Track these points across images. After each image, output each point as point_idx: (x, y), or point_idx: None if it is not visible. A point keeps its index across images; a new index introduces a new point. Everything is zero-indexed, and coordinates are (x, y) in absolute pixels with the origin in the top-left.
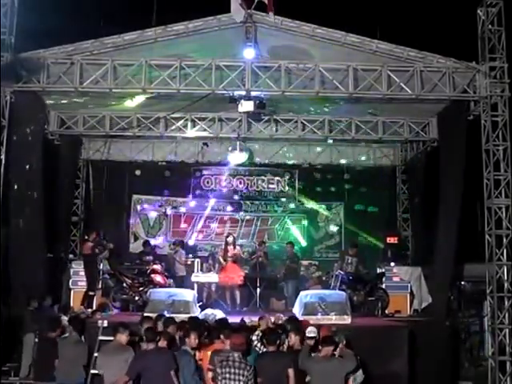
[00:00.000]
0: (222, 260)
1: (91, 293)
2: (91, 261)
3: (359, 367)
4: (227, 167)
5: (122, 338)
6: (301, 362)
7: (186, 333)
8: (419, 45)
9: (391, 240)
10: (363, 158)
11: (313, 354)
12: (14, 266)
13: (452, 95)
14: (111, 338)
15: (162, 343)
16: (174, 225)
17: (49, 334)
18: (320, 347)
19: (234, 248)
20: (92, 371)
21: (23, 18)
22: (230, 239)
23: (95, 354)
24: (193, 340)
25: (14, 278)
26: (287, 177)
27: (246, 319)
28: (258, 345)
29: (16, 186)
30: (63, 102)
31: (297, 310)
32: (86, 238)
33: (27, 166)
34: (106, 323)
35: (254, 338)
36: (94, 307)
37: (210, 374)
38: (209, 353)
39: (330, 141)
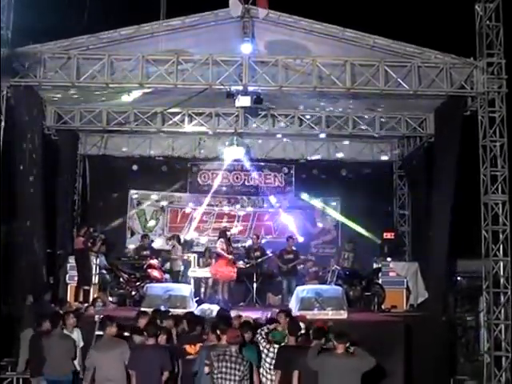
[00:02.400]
0: (224, 253)
1: (86, 287)
2: (83, 255)
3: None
4: (224, 162)
5: (112, 330)
6: (311, 359)
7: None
8: (417, 40)
9: (388, 235)
10: (360, 154)
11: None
12: (13, 262)
13: (449, 91)
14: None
15: (162, 339)
16: (170, 220)
17: (37, 328)
18: (335, 343)
19: (227, 243)
20: None
21: (20, 13)
22: (229, 234)
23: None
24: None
25: (12, 273)
26: (284, 172)
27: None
28: (262, 341)
29: (15, 181)
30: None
31: (293, 305)
32: (78, 232)
33: (26, 162)
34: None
35: (261, 332)
36: (90, 300)
37: (206, 369)
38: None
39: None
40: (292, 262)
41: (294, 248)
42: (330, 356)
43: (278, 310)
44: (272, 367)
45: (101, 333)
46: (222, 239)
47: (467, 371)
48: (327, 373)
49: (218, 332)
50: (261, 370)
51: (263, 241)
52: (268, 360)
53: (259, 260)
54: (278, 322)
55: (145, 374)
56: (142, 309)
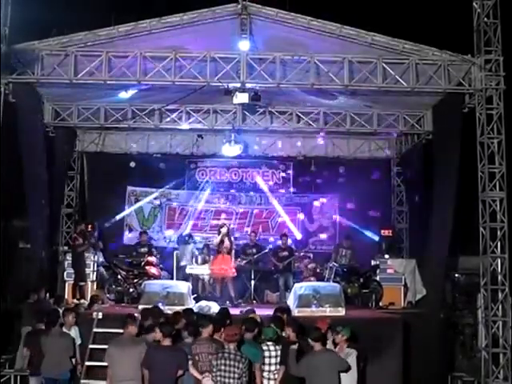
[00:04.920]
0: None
1: (81, 283)
2: (76, 252)
3: (349, 369)
4: (222, 159)
5: (133, 329)
6: (293, 368)
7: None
8: (415, 37)
9: (386, 232)
10: (358, 151)
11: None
12: (13, 259)
13: (447, 88)
14: (107, 330)
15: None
16: (168, 217)
17: (35, 326)
18: (312, 343)
19: (229, 239)
20: (87, 363)
21: (17, 9)
22: (225, 230)
23: (90, 346)
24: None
25: (11, 270)
26: (282, 169)
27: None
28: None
29: (13, 178)
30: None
31: (291, 303)
32: (75, 230)
33: (24, 159)
34: (100, 315)
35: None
36: (86, 297)
37: (189, 363)
38: None
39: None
40: (287, 259)
41: (288, 245)
42: (311, 356)
43: (275, 308)
44: (272, 368)
45: (99, 330)
46: (216, 236)
47: (465, 368)
48: (311, 372)
49: (200, 329)
50: (264, 373)
51: (260, 237)
52: (267, 361)
53: (255, 256)
54: (281, 320)
55: (161, 373)
56: (140, 306)
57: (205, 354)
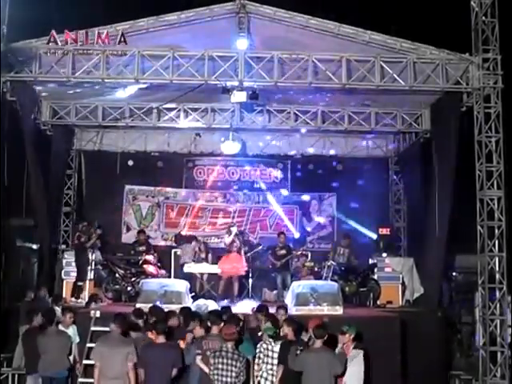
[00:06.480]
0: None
1: (79, 283)
2: (78, 250)
3: (343, 374)
4: (220, 158)
5: (121, 328)
6: (291, 363)
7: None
8: (412, 36)
9: (383, 231)
10: (356, 149)
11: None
12: (11, 258)
13: (445, 87)
14: (105, 329)
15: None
16: (166, 215)
17: (30, 324)
18: (314, 338)
19: (239, 239)
20: (85, 361)
21: (15, 7)
22: (235, 229)
23: (88, 345)
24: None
25: (9, 269)
26: (280, 167)
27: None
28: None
29: (10, 177)
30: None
31: (289, 301)
32: (76, 228)
33: (21, 157)
34: (98, 314)
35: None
36: (83, 296)
37: (198, 358)
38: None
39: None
40: (285, 258)
41: (286, 243)
42: (308, 352)
43: (276, 307)
44: (274, 361)
45: (97, 328)
46: (226, 235)
47: (463, 366)
48: (308, 368)
49: (209, 323)
50: (264, 373)
51: (259, 236)
52: (270, 354)
53: (248, 254)
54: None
55: (156, 371)
56: (138, 304)
57: None
